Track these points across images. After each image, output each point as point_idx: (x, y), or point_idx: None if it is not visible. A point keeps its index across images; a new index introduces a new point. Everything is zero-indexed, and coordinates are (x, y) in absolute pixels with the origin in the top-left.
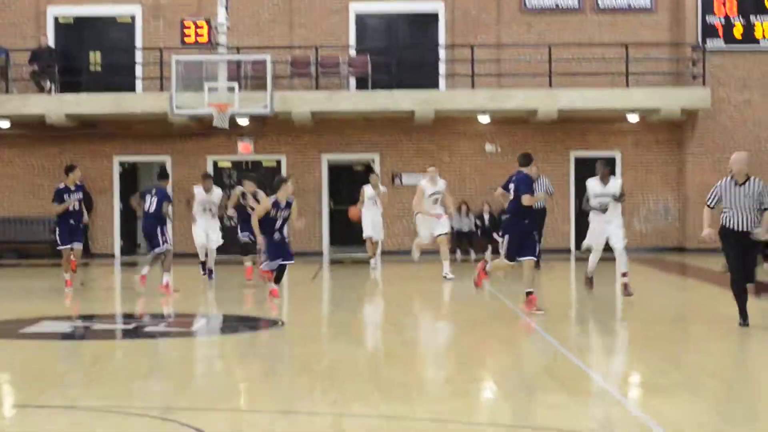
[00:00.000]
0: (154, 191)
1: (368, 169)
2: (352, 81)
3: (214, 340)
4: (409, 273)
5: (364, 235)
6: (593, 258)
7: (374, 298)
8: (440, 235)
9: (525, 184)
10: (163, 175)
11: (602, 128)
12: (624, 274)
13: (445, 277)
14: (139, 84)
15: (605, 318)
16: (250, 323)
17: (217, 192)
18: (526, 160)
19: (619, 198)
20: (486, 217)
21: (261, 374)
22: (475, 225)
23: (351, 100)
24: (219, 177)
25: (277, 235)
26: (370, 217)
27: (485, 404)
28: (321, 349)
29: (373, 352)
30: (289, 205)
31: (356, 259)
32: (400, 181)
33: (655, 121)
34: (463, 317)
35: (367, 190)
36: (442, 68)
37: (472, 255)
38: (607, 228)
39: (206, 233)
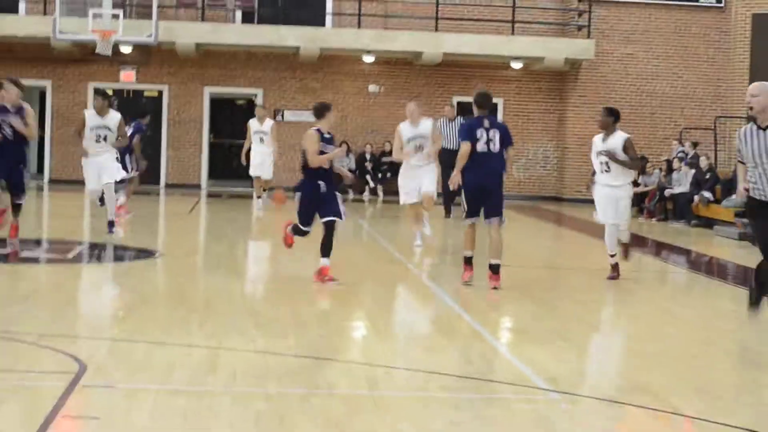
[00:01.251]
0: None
1: (251, 103)
2: (239, 14)
3: (90, 269)
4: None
5: (251, 173)
6: (609, 233)
7: (251, 233)
8: (428, 192)
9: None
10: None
11: (486, 74)
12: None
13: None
14: (22, 6)
15: (482, 262)
16: (126, 252)
17: (113, 116)
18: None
19: (626, 161)
20: (368, 157)
21: (136, 304)
22: (356, 165)
23: (236, 33)
24: None
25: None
26: (258, 154)
27: (361, 343)
28: (197, 281)
29: (250, 286)
30: (332, 140)
31: (234, 193)
32: (282, 117)
33: (538, 69)
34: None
35: (253, 125)
36: (329, 6)
37: (350, 195)
38: (617, 194)
39: (98, 173)
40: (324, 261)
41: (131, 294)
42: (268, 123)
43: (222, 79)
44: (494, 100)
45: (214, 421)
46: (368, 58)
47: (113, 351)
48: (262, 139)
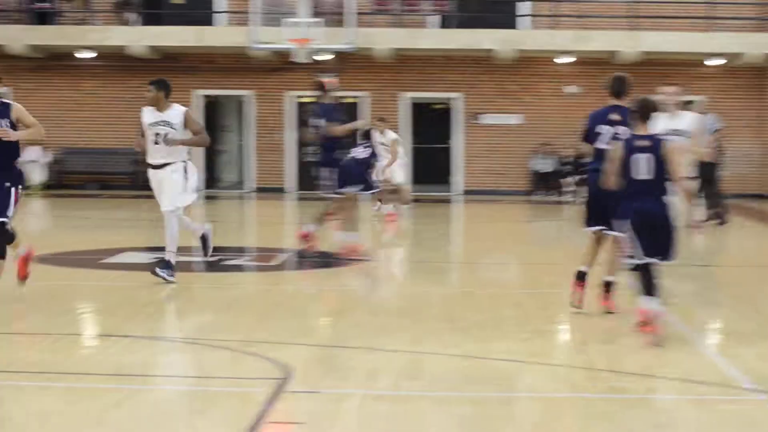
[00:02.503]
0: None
1: (449, 107)
2: (435, 19)
3: (294, 275)
4: (489, 212)
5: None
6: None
7: (451, 237)
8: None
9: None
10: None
11: (684, 72)
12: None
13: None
14: (221, 18)
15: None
16: (330, 259)
17: (176, 110)
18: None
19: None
20: (567, 159)
21: (340, 310)
22: (557, 166)
23: (433, 38)
24: (301, 112)
25: None
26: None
27: (564, 347)
28: (401, 286)
29: (451, 290)
30: None
31: (437, 197)
32: (482, 120)
33: (737, 65)
34: (544, 258)
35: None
36: (524, 7)
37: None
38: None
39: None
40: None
41: (335, 300)
42: (389, 134)
43: (420, 84)
44: (693, 97)
45: (419, 425)
46: (564, 59)
47: (318, 357)
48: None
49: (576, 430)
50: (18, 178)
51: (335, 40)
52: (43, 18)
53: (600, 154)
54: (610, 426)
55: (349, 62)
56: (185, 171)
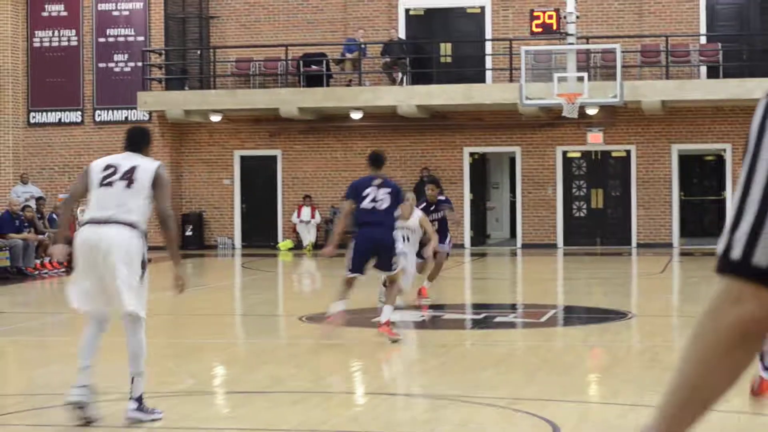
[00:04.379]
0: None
1: (720, 158)
2: (703, 69)
3: (562, 331)
4: None
5: None
6: None
7: None
8: None
9: None
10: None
11: None
12: None
13: None
14: (488, 75)
15: None
16: (598, 314)
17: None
18: None
19: None
20: None
21: (610, 365)
22: None
23: (702, 88)
24: (569, 167)
25: None
26: None
27: None
28: (671, 341)
29: None
30: None
31: (707, 251)
32: None
33: None
34: None
35: None
36: None
37: None
38: None
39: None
40: None
41: (605, 355)
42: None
43: (689, 136)
44: None
45: None
46: None
47: (587, 414)
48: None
49: None
50: None
51: (603, 94)
52: (313, 81)
53: None
54: None
55: (617, 116)
56: None
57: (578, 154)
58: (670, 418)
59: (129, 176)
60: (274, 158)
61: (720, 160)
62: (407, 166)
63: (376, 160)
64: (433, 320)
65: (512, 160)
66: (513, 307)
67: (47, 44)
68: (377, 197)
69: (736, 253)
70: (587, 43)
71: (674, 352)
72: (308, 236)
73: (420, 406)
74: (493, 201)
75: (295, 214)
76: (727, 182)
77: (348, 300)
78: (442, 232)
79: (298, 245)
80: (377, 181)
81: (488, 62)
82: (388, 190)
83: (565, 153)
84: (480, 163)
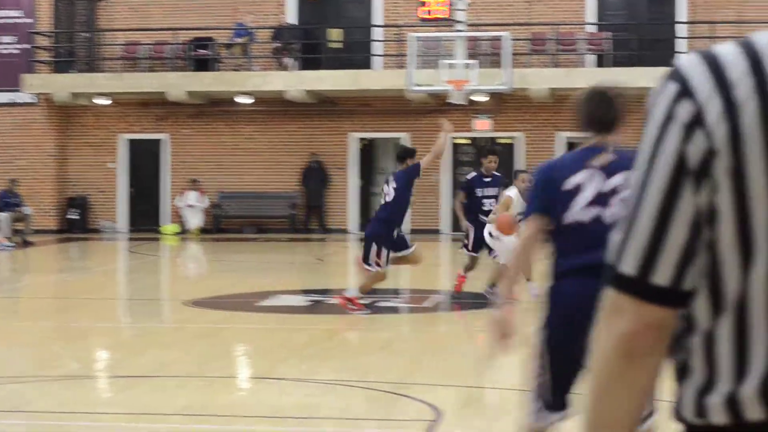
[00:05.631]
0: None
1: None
2: (592, 58)
3: (447, 316)
4: None
5: None
6: None
7: None
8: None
9: None
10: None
11: None
12: None
13: None
14: (377, 61)
15: None
16: (483, 300)
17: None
18: None
19: None
20: None
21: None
22: None
23: (589, 77)
24: (456, 153)
25: None
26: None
27: None
28: None
29: None
30: None
31: None
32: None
33: None
34: None
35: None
36: (681, 45)
37: None
38: None
39: None
40: None
41: (488, 341)
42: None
43: (576, 124)
44: None
45: None
46: None
47: (471, 399)
48: None
49: None
50: None
51: (491, 81)
52: (202, 65)
53: None
54: None
55: (504, 103)
56: None
57: (466, 141)
58: None
59: None
60: (161, 142)
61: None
62: (295, 152)
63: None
64: (318, 305)
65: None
66: (397, 292)
67: None
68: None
69: (627, 266)
70: (476, 30)
71: None
72: (194, 220)
73: (304, 391)
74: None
75: (180, 197)
76: None
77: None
78: None
79: (183, 229)
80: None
81: (377, 48)
82: None
83: (452, 139)
84: (368, 149)
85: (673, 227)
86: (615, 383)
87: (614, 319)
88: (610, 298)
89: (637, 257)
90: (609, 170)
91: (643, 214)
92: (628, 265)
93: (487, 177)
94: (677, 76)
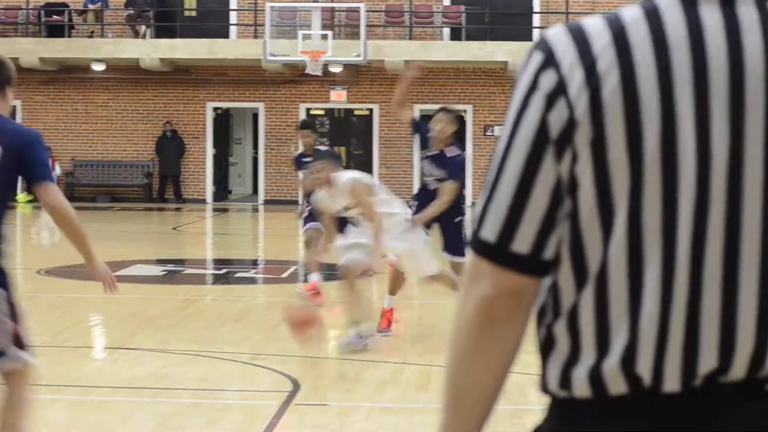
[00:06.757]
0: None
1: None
2: (446, 31)
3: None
4: None
5: None
6: None
7: None
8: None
9: None
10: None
11: None
12: None
13: None
14: (233, 30)
15: None
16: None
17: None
18: None
19: None
20: None
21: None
22: None
23: (444, 50)
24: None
25: None
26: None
27: None
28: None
29: None
30: None
31: None
32: (493, 132)
33: None
34: None
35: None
36: (536, 20)
37: None
38: None
39: None
40: None
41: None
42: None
43: (431, 96)
44: None
45: None
46: None
47: (327, 370)
48: None
49: None
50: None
51: (347, 53)
52: (55, 31)
53: None
54: None
55: (360, 75)
56: None
57: (322, 112)
58: (446, 426)
59: None
60: (13, 108)
61: (461, 120)
62: (149, 120)
63: None
64: (174, 275)
65: (255, 116)
66: (254, 262)
67: None
68: None
69: (487, 232)
70: (332, 1)
71: (425, 317)
72: None
73: (160, 361)
74: (236, 157)
75: None
76: (468, 142)
77: None
78: None
79: (35, 198)
80: None
81: (233, 17)
82: None
83: (308, 110)
84: (223, 119)
85: (533, 196)
86: (473, 352)
87: (475, 284)
88: (472, 263)
89: (497, 224)
90: None
91: (504, 181)
92: (489, 231)
93: (306, 156)
94: (543, 47)
